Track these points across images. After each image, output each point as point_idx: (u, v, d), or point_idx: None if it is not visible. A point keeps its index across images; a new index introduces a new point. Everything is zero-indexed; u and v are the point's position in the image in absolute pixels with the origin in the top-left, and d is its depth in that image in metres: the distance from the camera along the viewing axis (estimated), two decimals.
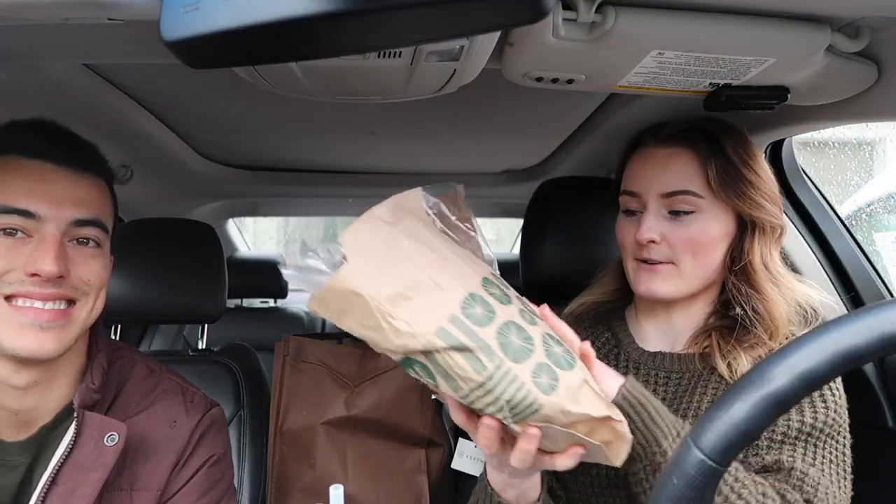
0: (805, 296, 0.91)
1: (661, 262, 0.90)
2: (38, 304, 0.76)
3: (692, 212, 0.89)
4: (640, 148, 0.97)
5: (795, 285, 0.92)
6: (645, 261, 0.91)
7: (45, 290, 0.75)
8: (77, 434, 0.78)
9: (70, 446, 0.78)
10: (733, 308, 0.90)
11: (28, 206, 0.76)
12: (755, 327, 0.88)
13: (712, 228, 0.89)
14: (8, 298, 0.75)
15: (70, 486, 0.76)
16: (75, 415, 0.79)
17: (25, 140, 0.80)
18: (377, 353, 1.27)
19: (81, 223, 0.80)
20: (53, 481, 0.76)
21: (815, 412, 0.82)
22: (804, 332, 0.85)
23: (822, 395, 0.84)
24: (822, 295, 0.93)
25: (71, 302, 0.79)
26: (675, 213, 0.90)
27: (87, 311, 0.81)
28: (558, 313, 0.72)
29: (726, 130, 0.92)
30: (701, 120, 0.94)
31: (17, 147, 0.79)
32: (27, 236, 0.77)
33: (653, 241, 0.89)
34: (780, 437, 0.82)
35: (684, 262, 0.89)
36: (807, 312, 0.90)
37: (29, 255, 0.75)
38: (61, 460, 0.77)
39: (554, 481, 0.96)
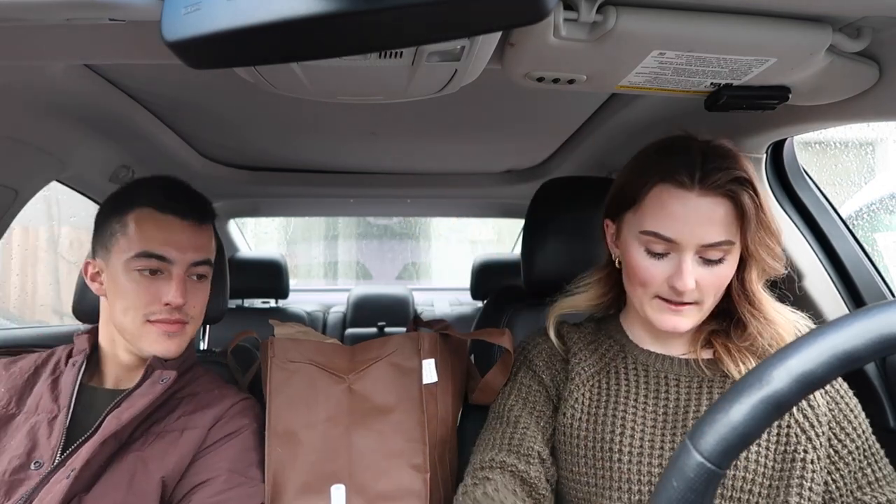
0: (795, 321, 0.93)
1: (688, 304, 0.91)
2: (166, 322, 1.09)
3: (724, 258, 0.89)
4: (675, 187, 0.88)
5: (787, 312, 0.94)
6: (670, 301, 0.91)
7: (172, 315, 1.08)
8: (142, 380, 1.06)
9: (135, 387, 1.06)
10: (729, 314, 0.95)
11: (164, 252, 1.06)
12: (749, 324, 0.92)
13: (732, 269, 0.91)
14: (147, 322, 1.07)
15: (125, 407, 1.03)
16: (146, 369, 1.07)
17: (157, 197, 1.08)
18: (367, 347, 1.28)
19: (198, 263, 1.11)
20: (116, 405, 1.03)
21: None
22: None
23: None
24: (807, 321, 0.94)
25: (184, 323, 1.10)
26: (708, 261, 0.89)
27: (194, 327, 1.14)
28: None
29: (757, 181, 0.90)
30: (738, 167, 0.89)
31: (151, 202, 1.08)
32: (162, 273, 1.07)
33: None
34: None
35: (707, 300, 0.91)
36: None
37: (162, 288, 1.06)
38: (126, 394, 1.05)
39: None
